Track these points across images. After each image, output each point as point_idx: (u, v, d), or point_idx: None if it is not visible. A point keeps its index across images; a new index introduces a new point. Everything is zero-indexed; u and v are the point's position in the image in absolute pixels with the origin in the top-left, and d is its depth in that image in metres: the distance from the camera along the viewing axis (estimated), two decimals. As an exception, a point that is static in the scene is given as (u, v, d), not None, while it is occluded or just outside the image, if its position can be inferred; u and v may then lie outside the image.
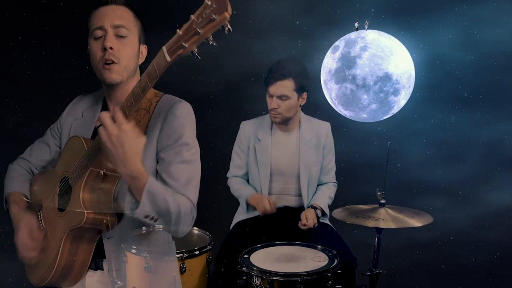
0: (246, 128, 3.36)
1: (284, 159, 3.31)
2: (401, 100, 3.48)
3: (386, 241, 2.75)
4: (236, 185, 3.35)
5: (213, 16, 1.43)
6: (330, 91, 3.42)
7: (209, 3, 1.44)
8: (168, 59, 1.54)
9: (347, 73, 3.36)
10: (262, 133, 3.31)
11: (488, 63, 4.04)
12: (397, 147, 3.90)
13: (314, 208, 3.25)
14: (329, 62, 3.44)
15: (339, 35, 3.51)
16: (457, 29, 4.10)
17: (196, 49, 1.52)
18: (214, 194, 3.84)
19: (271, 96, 3.15)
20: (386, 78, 3.36)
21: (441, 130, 4.19)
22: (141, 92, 1.65)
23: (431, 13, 4.15)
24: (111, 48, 1.85)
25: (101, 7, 1.94)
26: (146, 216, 1.72)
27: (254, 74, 4.09)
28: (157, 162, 1.94)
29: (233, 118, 3.72)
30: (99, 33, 1.88)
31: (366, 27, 3.41)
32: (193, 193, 1.91)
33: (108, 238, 1.92)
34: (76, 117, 2.09)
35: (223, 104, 4.21)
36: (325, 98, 3.50)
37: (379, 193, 2.73)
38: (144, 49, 2.03)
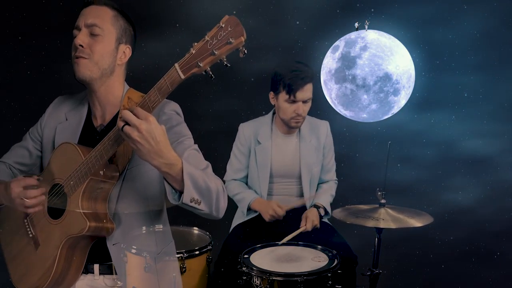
0: (246, 130, 3.34)
1: (285, 162, 3.31)
2: (401, 100, 3.48)
3: (386, 241, 2.75)
4: (236, 189, 3.33)
5: (230, 40, 1.51)
6: (330, 91, 3.42)
7: (223, 25, 1.52)
8: (182, 76, 1.59)
9: (347, 73, 3.36)
10: (262, 135, 3.30)
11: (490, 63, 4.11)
12: (397, 147, 3.92)
13: (317, 207, 3.25)
14: (329, 62, 3.44)
15: (339, 35, 3.51)
16: (457, 29, 4.14)
17: (209, 68, 1.59)
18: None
19: (294, 101, 3.14)
20: (386, 78, 3.36)
21: (441, 129, 4.21)
22: (151, 107, 1.67)
23: (432, 14, 4.18)
24: (81, 45, 1.88)
25: (83, 9, 1.98)
26: (192, 200, 1.73)
27: (253, 75, 4.11)
28: None
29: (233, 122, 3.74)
30: (75, 32, 1.97)
31: (366, 27, 3.42)
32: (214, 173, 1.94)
33: (113, 244, 1.93)
34: (59, 120, 2.09)
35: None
36: (325, 98, 3.50)
37: (379, 193, 2.74)
38: (127, 50, 2.04)
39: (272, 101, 3.25)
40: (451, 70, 4.16)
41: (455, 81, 4.19)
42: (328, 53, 3.52)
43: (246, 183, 3.39)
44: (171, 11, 4.08)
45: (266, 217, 3.15)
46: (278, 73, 3.15)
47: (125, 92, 2.05)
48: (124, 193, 1.96)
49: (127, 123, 1.60)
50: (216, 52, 1.53)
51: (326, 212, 3.30)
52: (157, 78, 1.64)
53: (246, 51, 1.55)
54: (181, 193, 1.69)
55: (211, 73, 1.59)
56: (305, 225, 3.10)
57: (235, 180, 3.37)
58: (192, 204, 1.73)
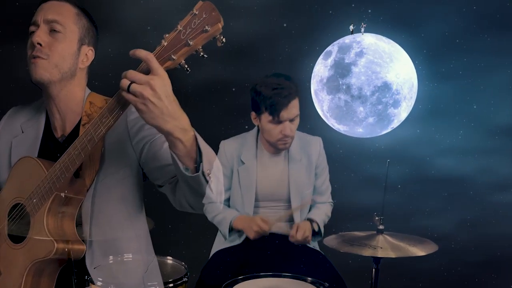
0: (227, 148, 3.38)
1: (272, 183, 3.35)
2: (401, 113, 3.57)
3: (385, 273, 2.82)
4: (216, 210, 3.37)
5: (206, 27, 1.54)
6: (322, 103, 3.51)
7: (197, 12, 1.54)
8: None
9: (340, 82, 3.45)
10: (246, 154, 3.34)
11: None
12: (397, 166, 3.98)
13: (310, 220, 3.30)
14: (321, 69, 3.53)
15: (332, 39, 3.62)
16: (466, 33, 4.25)
17: (184, 61, 1.61)
18: (190, 218, 3.88)
19: (279, 122, 3.19)
20: (385, 88, 3.45)
21: (447, 146, 4.31)
22: (116, 110, 1.71)
23: (436, 14, 4.30)
24: (39, 44, 1.90)
25: (42, 4, 2.01)
26: (208, 174, 1.74)
27: (234, 83, 4.17)
28: (139, 165, 2.03)
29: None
30: (32, 28, 1.94)
31: (362, 30, 3.52)
32: None
33: (94, 268, 1.94)
34: (15, 133, 2.10)
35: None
36: (316, 110, 3.59)
37: (377, 218, 2.78)
38: (90, 52, 2.08)
39: (255, 122, 3.29)
40: (459, 79, 4.27)
41: (464, 90, 4.31)
42: (319, 60, 3.61)
43: (228, 206, 3.44)
44: (140, 13, 4.16)
45: (251, 235, 3.20)
46: (258, 91, 3.19)
47: (86, 96, 2.08)
48: (97, 209, 1.99)
49: (133, 82, 1.59)
50: (190, 43, 1.56)
51: (319, 232, 3.34)
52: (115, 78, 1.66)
53: (224, 40, 1.55)
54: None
55: (186, 66, 1.62)
56: (295, 234, 3.16)
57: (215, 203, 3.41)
58: (205, 178, 1.73)
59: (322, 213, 3.39)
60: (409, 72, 3.57)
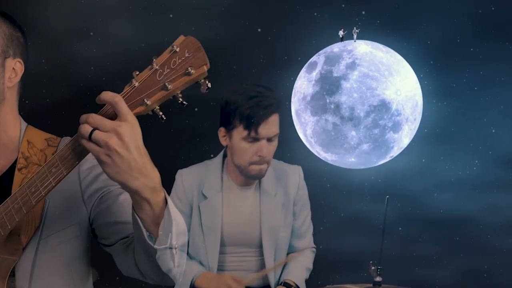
0: (186, 179, 3.37)
1: (240, 224, 3.34)
2: (403, 138, 3.63)
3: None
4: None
5: (189, 69, 1.54)
6: (305, 126, 3.55)
7: (178, 49, 1.55)
8: None
9: (328, 101, 3.50)
10: (208, 187, 3.32)
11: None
12: (397, 203, 4.01)
13: (287, 286, 3.29)
14: (303, 85, 3.58)
15: (317, 47, 3.69)
16: (481, 40, 4.31)
17: (158, 107, 1.62)
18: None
19: (256, 139, 3.19)
20: (383, 107, 3.50)
21: (459, 179, 4.35)
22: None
23: (445, 17, 4.36)
24: None
25: None
26: (170, 247, 1.73)
27: (197, 103, 4.19)
28: (90, 223, 2.01)
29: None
30: None
31: (355, 36, 3.58)
32: None
33: None
34: None
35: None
36: (297, 135, 3.63)
37: (373, 267, 2.79)
38: (17, 65, 2.03)
39: (223, 141, 3.28)
40: (474, 96, 4.34)
41: (480, 111, 4.38)
42: (302, 73, 3.67)
43: (187, 253, 3.42)
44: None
45: None
46: (231, 101, 3.19)
47: (23, 131, 2.06)
48: (36, 275, 1.97)
49: (96, 129, 1.59)
50: (169, 86, 1.56)
51: (300, 293, 3.34)
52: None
53: (210, 85, 1.59)
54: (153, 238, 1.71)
55: (161, 113, 1.63)
56: None
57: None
58: (172, 251, 1.73)
59: (301, 269, 3.39)
60: (412, 87, 3.63)
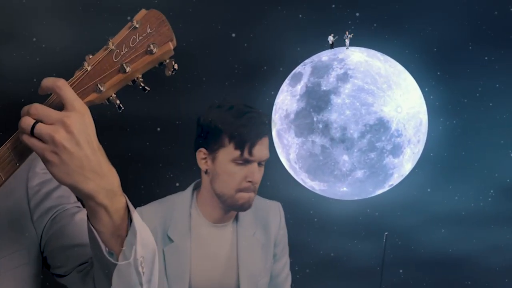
0: (147, 219, 3.27)
1: (213, 270, 3.40)
2: (405, 164, 3.76)
3: None
4: None
5: (151, 47, 1.56)
6: (288, 149, 3.64)
7: (138, 25, 1.58)
8: None
9: (315, 119, 3.59)
10: (175, 227, 3.37)
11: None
12: (398, 241, 4.07)
13: None
14: (286, 100, 3.69)
15: (302, 55, 3.84)
16: (497, 46, 4.41)
17: (115, 94, 1.64)
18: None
19: (248, 161, 3.23)
20: (381, 127, 3.62)
21: (472, 213, 4.40)
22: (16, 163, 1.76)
23: (455, 19, 4.45)
24: None
25: None
26: (141, 263, 1.74)
27: (159, 123, 4.20)
28: (40, 248, 2.08)
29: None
30: None
31: (347, 42, 3.76)
32: None
33: None
34: None
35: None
36: (279, 159, 3.75)
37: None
38: None
39: (203, 164, 3.31)
40: (489, 113, 4.43)
41: (496, 131, 4.45)
42: (284, 86, 3.82)
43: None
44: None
45: None
46: (217, 117, 3.22)
47: None
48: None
49: (39, 121, 1.59)
50: (127, 68, 1.58)
51: None
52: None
53: (176, 67, 1.60)
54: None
55: (118, 102, 1.65)
56: None
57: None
58: (141, 268, 1.75)
59: None
60: (415, 103, 3.77)
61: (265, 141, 3.28)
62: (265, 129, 3.26)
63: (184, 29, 4.31)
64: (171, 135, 4.11)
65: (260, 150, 3.22)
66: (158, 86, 4.21)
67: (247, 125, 3.19)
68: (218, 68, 4.42)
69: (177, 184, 3.57)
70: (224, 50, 4.43)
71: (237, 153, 3.19)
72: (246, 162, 3.23)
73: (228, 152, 3.24)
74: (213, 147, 3.25)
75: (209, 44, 4.40)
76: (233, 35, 4.36)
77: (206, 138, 3.28)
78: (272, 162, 3.70)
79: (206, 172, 3.32)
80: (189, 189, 3.43)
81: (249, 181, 3.24)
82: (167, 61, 1.57)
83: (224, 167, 3.26)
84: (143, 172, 4.33)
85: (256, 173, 3.22)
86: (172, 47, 1.55)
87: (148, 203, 3.48)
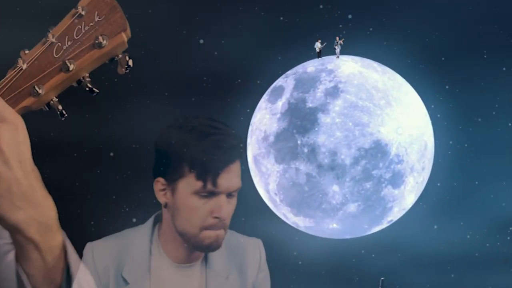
0: (99, 257, 3.37)
1: None
2: (406, 196, 3.76)
3: None
4: None
5: (99, 39, 1.53)
6: (266, 178, 3.66)
7: (84, 12, 1.55)
8: None
9: (299, 142, 3.61)
10: (131, 268, 3.33)
11: None
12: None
13: None
14: (265, 119, 3.71)
15: (284, 65, 3.88)
16: None
17: (56, 98, 1.60)
18: None
19: (213, 193, 3.22)
20: (378, 151, 3.64)
21: (487, 254, 4.41)
22: None
23: (466, 20, 4.48)
24: None
25: None
26: None
27: (113, 145, 4.22)
28: None
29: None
30: None
31: (338, 50, 3.79)
32: None
33: None
34: None
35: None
36: (256, 190, 3.73)
37: None
38: None
39: (161, 197, 3.31)
40: (508, 135, 4.46)
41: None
42: (263, 102, 3.84)
43: None
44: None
45: None
46: (175, 140, 3.22)
47: None
48: None
49: None
50: (70, 66, 1.54)
51: None
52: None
53: (131, 63, 1.55)
54: None
55: (60, 107, 1.60)
56: None
57: None
58: None
59: None
60: (419, 123, 3.81)
61: (234, 168, 3.26)
62: (235, 153, 3.23)
63: (142, 34, 4.31)
64: (127, 161, 4.13)
65: (228, 180, 3.20)
66: (110, 100, 4.22)
67: (210, 150, 3.17)
68: (184, 81, 4.44)
69: (134, 220, 3.56)
70: (191, 59, 4.44)
71: (199, 184, 3.17)
72: (211, 194, 3.21)
73: (189, 183, 3.22)
74: (172, 176, 3.24)
75: (172, 52, 4.42)
76: (201, 41, 4.36)
77: (163, 166, 3.27)
78: (248, 193, 3.73)
79: (165, 206, 3.32)
80: (149, 222, 3.43)
81: (216, 217, 3.23)
82: (120, 56, 1.51)
83: (185, 200, 3.25)
84: (92, 205, 4.35)
85: (224, 207, 3.20)
86: (125, 39, 1.50)
87: (102, 238, 3.48)
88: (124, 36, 1.49)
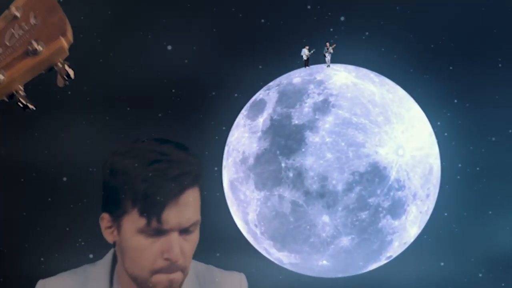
0: None
1: None
2: (408, 227, 3.82)
3: None
4: None
5: (34, 45, 1.53)
6: (245, 207, 3.73)
7: (19, 13, 1.55)
8: None
9: (284, 165, 3.69)
10: None
11: None
12: None
13: None
14: (243, 139, 3.78)
15: (266, 75, 3.97)
16: None
17: None
18: None
19: (161, 232, 3.26)
20: (375, 176, 3.71)
21: None
22: None
23: (479, 24, 4.55)
24: None
25: None
26: None
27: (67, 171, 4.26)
28: None
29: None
30: None
31: (328, 57, 3.88)
32: None
33: None
34: None
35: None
36: (232, 220, 3.80)
37: None
38: None
39: (108, 235, 3.36)
40: None
41: None
42: (241, 118, 3.92)
43: None
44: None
45: None
46: (118, 169, 3.26)
47: None
48: None
49: None
50: (1, 77, 1.54)
51: None
52: None
53: (72, 74, 1.55)
54: None
55: None
56: None
57: None
58: None
59: None
60: (423, 143, 3.88)
61: (186, 199, 3.24)
62: (187, 181, 3.24)
63: (100, 39, 4.38)
64: (82, 187, 4.15)
65: (177, 214, 3.17)
66: (63, 115, 4.26)
67: (153, 180, 3.16)
68: (149, 94, 4.47)
69: (91, 256, 3.59)
70: (157, 68, 4.47)
71: (142, 221, 3.15)
72: (159, 232, 3.20)
73: (132, 220, 3.19)
74: (116, 212, 3.24)
75: (135, 60, 4.45)
76: (169, 47, 4.41)
77: (108, 200, 3.27)
78: (223, 225, 3.81)
79: (114, 245, 3.33)
80: (108, 257, 3.45)
81: (167, 258, 3.24)
82: (59, 64, 1.51)
83: (131, 240, 3.22)
84: (42, 238, 4.38)
85: (175, 246, 3.16)
86: (65, 44, 1.49)
87: (56, 274, 3.52)
88: (64, 42, 1.48)
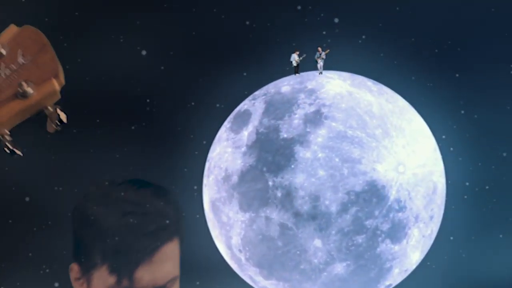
0: None
1: None
2: (410, 252, 3.91)
3: None
4: None
5: (23, 86, 1.44)
6: (228, 230, 3.82)
7: (4, 51, 1.47)
8: None
9: (271, 184, 3.76)
10: None
11: None
12: None
13: None
14: (226, 154, 3.88)
15: (250, 83, 4.11)
16: None
17: None
18: None
19: None
20: (372, 195, 3.80)
21: None
22: None
23: (487, 27, 4.68)
24: None
25: None
26: None
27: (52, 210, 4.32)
28: None
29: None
30: None
31: (321, 63, 3.99)
32: None
33: None
34: None
35: None
36: (214, 245, 3.90)
37: None
38: None
39: (78, 287, 3.50)
40: None
41: None
42: (224, 132, 4.01)
43: None
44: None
45: None
46: (87, 218, 3.31)
47: None
48: None
49: None
50: None
51: None
52: None
53: (65, 118, 1.45)
54: None
55: None
56: None
57: None
58: None
59: None
60: (426, 159, 3.98)
61: (162, 255, 3.26)
62: (165, 235, 3.30)
63: (67, 43, 4.47)
64: (47, 208, 4.21)
65: (151, 273, 3.17)
66: (23, 132, 4.40)
67: (123, 235, 3.19)
68: (121, 104, 4.57)
69: (57, 285, 3.68)
70: (130, 75, 4.56)
71: (112, 279, 3.21)
72: None
73: (102, 277, 3.24)
74: (86, 264, 3.30)
75: (107, 66, 4.49)
76: (144, 52, 4.41)
77: (78, 249, 3.32)
78: (204, 250, 3.91)
79: None
80: None
81: None
82: (50, 108, 1.42)
83: None
84: (2, 265, 4.42)
85: None
86: (57, 87, 1.41)
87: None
88: (56, 84, 1.40)
